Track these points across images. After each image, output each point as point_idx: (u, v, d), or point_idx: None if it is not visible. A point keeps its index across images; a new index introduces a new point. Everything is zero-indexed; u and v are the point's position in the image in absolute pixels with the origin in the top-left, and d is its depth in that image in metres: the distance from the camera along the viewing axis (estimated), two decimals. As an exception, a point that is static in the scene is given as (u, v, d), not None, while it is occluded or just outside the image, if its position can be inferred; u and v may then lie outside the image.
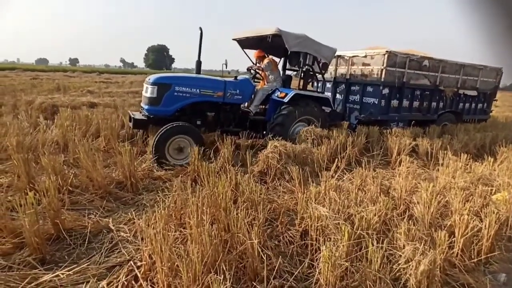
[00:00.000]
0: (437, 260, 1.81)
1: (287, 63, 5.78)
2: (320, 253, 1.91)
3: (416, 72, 5.92)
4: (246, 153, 3.83)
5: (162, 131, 3.80)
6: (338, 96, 6.66)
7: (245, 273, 1.91)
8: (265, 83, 5.30)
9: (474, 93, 6.86)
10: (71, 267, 1.93)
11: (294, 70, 5.63)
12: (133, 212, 2.66)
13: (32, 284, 1.78)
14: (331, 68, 6.51)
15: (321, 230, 2.21)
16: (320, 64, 5.18)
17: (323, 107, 5.15)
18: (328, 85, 6.65)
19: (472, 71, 6.70)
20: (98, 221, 2.54)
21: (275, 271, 1.91)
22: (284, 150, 3.73)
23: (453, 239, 2.24)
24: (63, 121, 4.71)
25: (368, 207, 2.52)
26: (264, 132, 4.91)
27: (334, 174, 3.35)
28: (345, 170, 3.69)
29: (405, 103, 6.08)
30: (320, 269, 1.81)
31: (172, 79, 4.33)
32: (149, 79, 4.23)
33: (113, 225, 2.48)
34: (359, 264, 1.89)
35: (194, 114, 4.47)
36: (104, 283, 1.80)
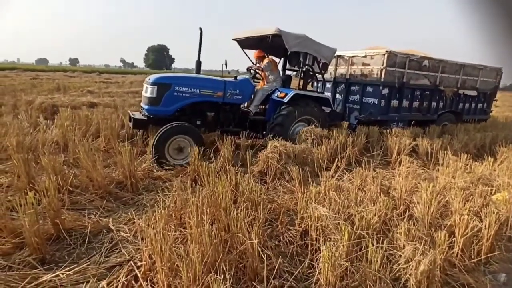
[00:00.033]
0: (437, 260, 1.81)
1: (287, 63, 5.78)
2: (320, 253, 1.91)
3: (416, 72, 5.92)
4: (246, 153, 3.83)
5: (162, 131, 3.80)
6: (338, 96, 6.66)
7: (245, 273, 1.91)
8: (265, 83, 5.30)
9: (474, 93, 6.86)
10: (71, 267, 1.93)
11: (294, 70, 5.63)
12: (133, 212, 2.66)
13: (32, 284, 1.78)
14: (331, 68, 6.51)
15: (321, 230, 2.21)
16: (320, 64, 5.18)
17: (323, 107, 5.15)
18: (328, 85, 6.65)
19: (472, 71, 6.70)
20: (98, 221, 2.54)
21: (275, 271, 1.91)
22: (284, 150, 3.73)
23: (453, 239, 2.24)
24: (63, 121, 4.71)
25: (368, 207, 2.52)
26: (264, 132, 4.91)
27: (334, 174, 3.35)
28: (345, 170, 3.69)
29: (405, 103, 6.08)
30: (320, 269, 1.81)
31: (172, 79, 4.33)
32: (149, 79, 4.23)
33: (113, 225, 2.48)
34: (359, 264, 1.89)
35: (194, 114, 4.47)
36: (104, 283, 1.80)
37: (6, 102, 7.10)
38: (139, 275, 1.86)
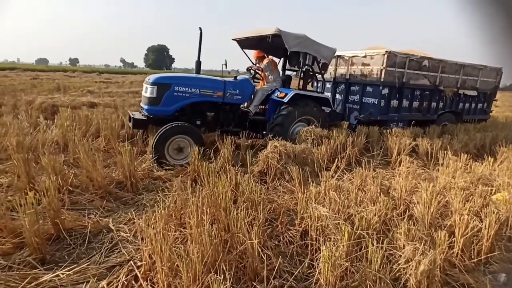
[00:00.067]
0: (437, 260, 1.81)
1: (287, 63, 5.78)
2: (320, 253, 1.91)
3: (416, 72, 5.92)
4: (246, 153, 3.83)
5: (162, 131, 3.80)
6: (337, 96, 6.65)
7: (245, 273, 1.91)
8: (265, 83, 5.30)
9: (474, 93, 6.86)
10: (71, 267, 1.93)
11: (293, 70, 5.63)
12: (133, 212, 2.66)
13: (32, 284, 1.78)
14: (330, 68, 6.51)
15: (321, 230, 2.21)
16: (320, 64, 5.18)
17: (323, 107, 5.15)
18: (328, 85, 6.65)
19: (472, 71, 6.70)
20: (98, 221, 2.54)
21: (275, 271, 1.91)
22: (284, 150, 3.73)
23: (453, 239, 2.24)
24: (63, 121, 4.71)
25: (368, 207, 2.52)
26: (264, 132, 4.91)
27: (334, 174, 3.35)
28: (345, 170, 3.70)
29: (405, 103, 6.08)
30: (320, 269, 1.81)
31: (172, 79, 4.33)
32: (149, 79, 4.23)
33: (113, 225, 2.48)
34: (359, 264, 1.89)
35: (194, 114, 4.47)
36: (104, 283, 1.80)
37: (6, 102, 7.10)
38: (139, 275, 1.86)
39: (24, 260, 1.98)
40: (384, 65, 5.51)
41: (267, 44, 4.86)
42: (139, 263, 1.96)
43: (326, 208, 2.41)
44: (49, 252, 2.13)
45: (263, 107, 5.32)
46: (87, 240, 2.29)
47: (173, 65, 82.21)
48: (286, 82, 5.41)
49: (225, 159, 3.72)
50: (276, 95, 4.89)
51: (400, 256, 1.94)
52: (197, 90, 4.31)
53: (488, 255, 2.25)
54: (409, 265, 1.81)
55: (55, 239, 2.29)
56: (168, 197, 2.56)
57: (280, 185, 3.30)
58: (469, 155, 4.21)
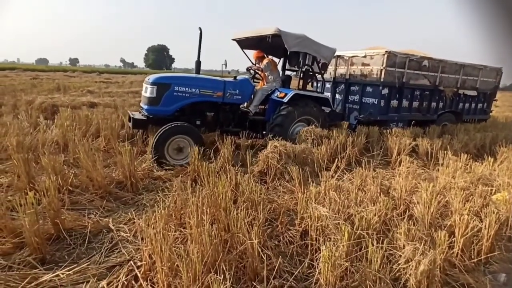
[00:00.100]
0: (437, 260, 1.81)
1: (287, 63, 5.78)
2: (320, 253, 1.91)
3: (416, 72, 5.92)
4: (246, 153, 3.83)
5: (162, 131, 3.80)
6: (337, 96, 6.65)
7: (245, 273, 1.91)
8: (265, 83, 5.30)
9: (474, 93, 6.86)
10: (71, 267, 1.93)
11: (293, 70, 5.63)
12: (133, 212, 2.66)
13: (32, 284, 1.78)
14: (330, 68, 6.52)
15: (321, 230, 2.21)
16: (320, 64, 5.18)
17: (323, 107, 5.15)
18: (328, 85, 6.65)
19: (472, 71, 6.70)
20: (98, 221, 2.54)
21: (275, 271, 1.91)
22: (284, 150, 3.73)
23: (453, 239, 2.24)
24: (63, 121, 4.71)
25: (368, 207, 2.52)
26: (264, 132, 4.91)
27: (334, 174, 3.35)
28: (345, 170, 3.70)
29: (405, 103, 6.08)
30: (320, 269, 1.81)
31: (172, 79, 4.33)
32: (149, 79, 4.23)
33: (113, 225, 2.48)
34: (359, 264, 1.89)
35: (194, 114, 4.47)
36: (104, 283, 1.80)
37: (6, 102, 7.10)
38: (139, 275, 1.86)
39: (24, 260, 1.98)
40: (384, 65, 5.51)
41: (267, 44, 4.86)
42: (139, 263, 1.96)
43: (326, 208, 2.41)
44: (49, 252, 2.13)
45: (263, 107, 5.32)
46: (87, 240, 2.29)
47: (173, 65, 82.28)
48: (286, 82, 5.41)
49: (225, 159, 3.72)
50: (276, 95, 4.89)
51: (400, 256, 1.94)
52: (197, 90, 4.31)
53: (488, 255, 2.25)
54: (409, 265, 1.81)
55: (55, 239, 2.29)
56: (168, 197, 2.56)
57: (280, 185, 3.30)
58: (469, 155, 4.21)
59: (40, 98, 7.41)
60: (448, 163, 3.86)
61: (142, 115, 4.33)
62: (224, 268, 1.78)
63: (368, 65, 5.87)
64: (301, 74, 5.09)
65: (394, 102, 5.93)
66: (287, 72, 5.84)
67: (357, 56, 6.12)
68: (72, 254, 2.16)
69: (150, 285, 1.81)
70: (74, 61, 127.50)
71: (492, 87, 7.27)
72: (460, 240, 2.20)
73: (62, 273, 1.86)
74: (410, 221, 2.39)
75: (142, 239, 2.19)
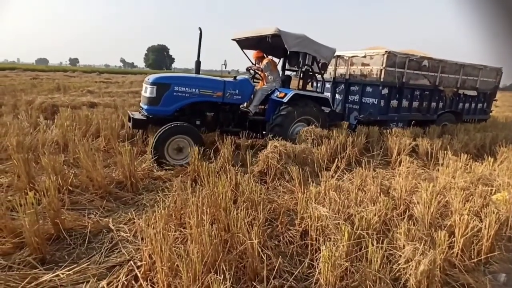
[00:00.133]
0: (437, 260, 1.81)
1: (287, 63, 5.78)
2: (320, 253, 1.91)
3: (416, 72, 5.92)
4: (246, 153, 3.83)
5: (161, 131, 3.80)
6: (337, 96, 6.65)
7: (245, 273, 1.91)
8: (264, 83, 5.30)
9: (474, 93, 6.86)
10: (71, 267, 1.93)
11: (293, 71, 5.63)
12: (133, 212, 2.66)
13: (32, 284, 1.78)
14: (330, 68, 6.51)
15: (321, 230, 2.21)
16: (320, 64, 5.18)
17: (323, 107, 5.15)
18: (328, 85, 6.65)
19: (472, 71, 6.70)
20: (98, 221, 2.54)
21: (275, 271, 1.91)
22: (284, 150, 3.73)
23: (453, 239, 2.24)
24: (63, 121, 4.71)
25: (368, 207, 2.52)
26: (264, 132, 4.91)
27: (334, 174, 3.35)
28: (345, 170, 3.70)
29: (405, 103, 6.08)
30: (320, 269, 1.81)
31: (171, 79, 4.33)
32: (148, 79, 4.23)
33: (113, 225, 2.48)
34: (359, 264, 1.89)
35: (194, 114, 4.47)
36: (104, 283, 1.80)
37: (6, 102, 7.10)
38: (139, 275, 1.86)
39: (24, 260, 1.98)
40: (384, 65, 5.51)
41: (267, 44, 4.86)
42: (139, 263, 1.96)
43: (326, 208, 2.41)
44: (49, 252, 2.13)
45: (263, 107, 5.32)
46: (87, 240, 2.29)
47: (173, 65, 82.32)
48: (285, 82, 5.41)
49: (225, 159, 3.72)
50: (275, 95, 4.89)
51: (400, 256, 1.94)
52: (197, 90, 4.31)
53: (488, 255, 2.25)
54: (409, 265, 1.81)
55: (55, 239, 2.29)
56: (168, 197, 2.56)
57: (280, 185, 3.30)
58: (469, 155, 4.21)
59: (40, 98, 7.41)
60: (448, 163, 3.86)
61: (142, 115, 4.33)
62: (224, 268, 1.78)
63: (368, 65, 5.87)
64: (301, 74, 5.09)
65: (394, 102, 5.93)
66: (287, 72, 5.84)
67: (357, 56, 6.12)
68: (72, 254, 2.16)
69: (150, 285, 1.81)
70: (74, 61, 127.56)
71: (492, 87, 7.27)
72: (460, 240, 2.20)
73: (62, 273, 1.86)
74: (410, 221, 2.39)
75: (142, 239, 2.19)
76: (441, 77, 6.25)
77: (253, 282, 1.85)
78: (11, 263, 1.95)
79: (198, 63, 4.64)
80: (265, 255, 1.88)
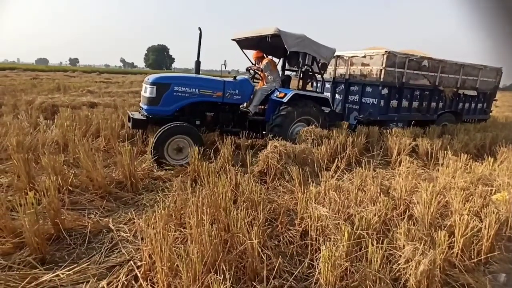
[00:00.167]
0: (437, 260, 1.81)
1: (286, 63, 5.78)
2: (320, 253, 1.91)
3: (416, 72, 5.92)
4: (246, 153, 3.83)
5: (161, 131, 3.80)
6: (337, 96, 6.66)
7: (245, 273, 1.91)
8: (264, 83, 5.30)
9: (474, 93, 6.86)
10: (71, 267, 1.93)
11: (293, 71, 5.63)
12: (133, 212, 2.66)
13: (32, 284, 1.78)
14: (330, 68, 6.51)
15: (321, 230, 2.21)
16: (319, 64, 5.18)
17: (322, 107, 5.15)
18: (327, 85, 6.65)
19: (471, 71, 6.70)
20: (98, 221, 2.54)
21: (275, 271, 1.91)
22: (284, 150, 3.73)
23: (453, 239, 2.24)
24: (63, 121, 4.71)
25: (368, 207, 2.52)
26: (264, 132, 4.91)
27: (334, 174, 3.35)
28: (345, 170, 3.70)
29: (405, 103, 6.08)
30: (320, 269, 1.81)
31: (171, 79, 4.33)
32: (148, 79, 4.23)
33: (113, 225, 2.48)
34: (359, 264, 1.89)
35: (193, 114, 4.47)
36: (104, 283, 1.80)
37: (6, 102, 7.09)
38: (139, 275, 1.86)
39: (24, 260, 1.98)
40: (384, 65, 5.51)
41: (267, 44, 4.86)
42: (139, 263, 1.96)
43: (326, 208, 2.41)
44: (49, 252, 2.13)
45: (263, 107, 5.32)
46: (87, 240, 2.29)
47: (173, 65, 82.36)
48: (285, 82, 5.41)
49: (225, 159, 3.72)
50: (275, 95, 4.89)
51: (400, 256, 1.94)
52: (197, 90, 4.31)
53: (488, 255, 2.25)
54: (409, 265, 1.81)
55: (55, 239, 2.29)
56: (168, 197, 2.56)
57: (280, 185, 3.30)
58: (469, 155, 4.20)
59: (40, 98, 7.41)
60: (448, 163, 3.86)
61: (141, 115, 4.33)
62: (224, 268, 1.78)
63: (368, 65, 5.87)
64: (301, 74, 5.09)
65: (394, 102, 5.93)
66: (286, 72, 5.84)
67: (356, 56, 6.12)
68: (72, 254, 2.16)
69: (150, 285, 1.81)
70: (74, 61, 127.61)
71: (492, 87, 7.27)
72: (460, 240, 2.20)
73: (62, 273, 1.86)
74: (410, 221, 2.39)
75: (142, 239, 2.19)
76: (441, 77, 6.25)
77: (253, 282, 1.85)
78: (11, 263, 1.95)
79: (198, 63, 4.64)
80: (265, 255, 1.88)
